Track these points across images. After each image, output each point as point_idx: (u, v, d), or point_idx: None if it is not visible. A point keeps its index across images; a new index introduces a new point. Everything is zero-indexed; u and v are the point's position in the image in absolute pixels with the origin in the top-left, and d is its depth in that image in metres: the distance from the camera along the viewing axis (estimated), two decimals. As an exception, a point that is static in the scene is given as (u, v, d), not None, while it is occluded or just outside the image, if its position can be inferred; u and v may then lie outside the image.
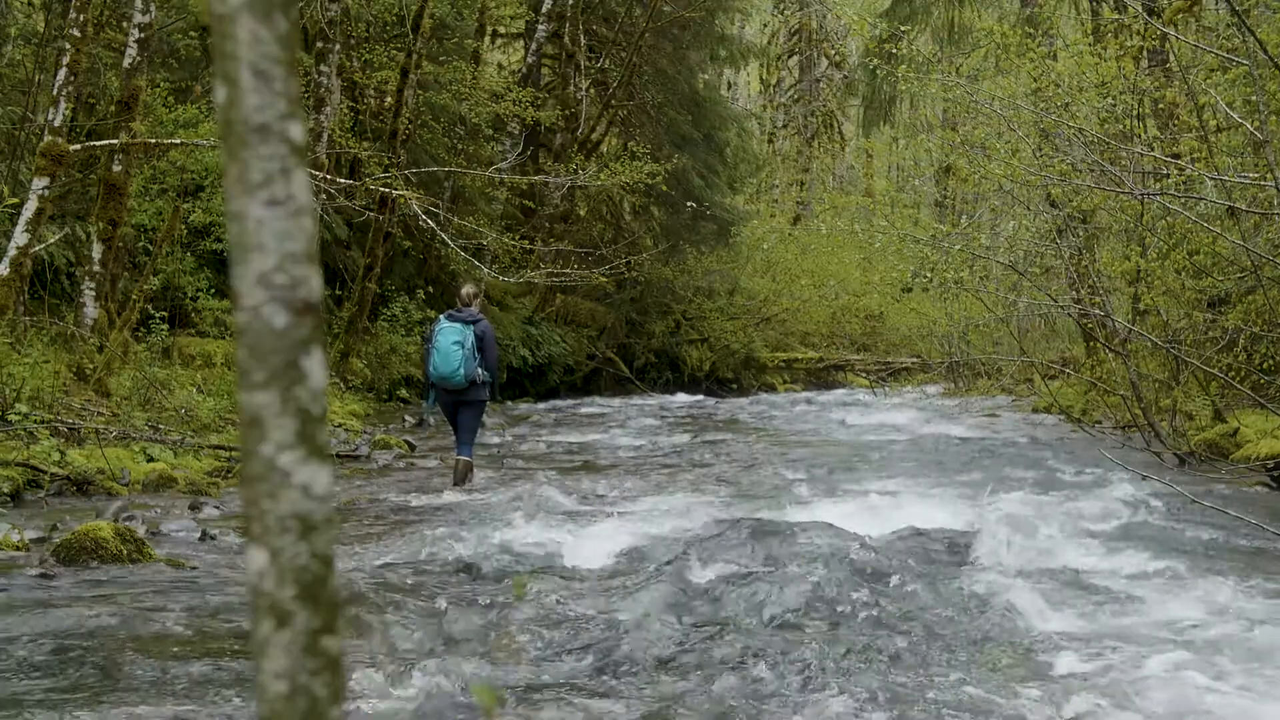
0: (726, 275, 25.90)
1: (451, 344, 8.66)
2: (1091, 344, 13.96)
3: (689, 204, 23.44)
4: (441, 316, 9.03)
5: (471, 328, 8.75)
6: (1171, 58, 12.46)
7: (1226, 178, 8.66)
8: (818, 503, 8.12)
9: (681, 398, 21.86)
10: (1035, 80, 11.69)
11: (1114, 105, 11.53)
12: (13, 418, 8.35)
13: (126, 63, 11.24)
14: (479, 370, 8.75)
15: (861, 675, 4.06)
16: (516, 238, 17.82)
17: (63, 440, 8.61)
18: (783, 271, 28.26)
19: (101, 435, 8.92)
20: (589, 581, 5.56)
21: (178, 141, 11.93)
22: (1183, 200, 9.62)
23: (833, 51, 37.21)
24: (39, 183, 10.05)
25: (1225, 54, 8.79)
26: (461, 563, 5.86)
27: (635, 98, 23.40)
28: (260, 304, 0.83)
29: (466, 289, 9.10)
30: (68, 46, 10.46)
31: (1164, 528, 7.01)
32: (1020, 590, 5.34)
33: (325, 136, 16.70)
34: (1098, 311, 11.84)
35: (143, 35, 11.18)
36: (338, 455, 10.48)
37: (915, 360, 25.55)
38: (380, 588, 5.21)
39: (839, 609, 4.95)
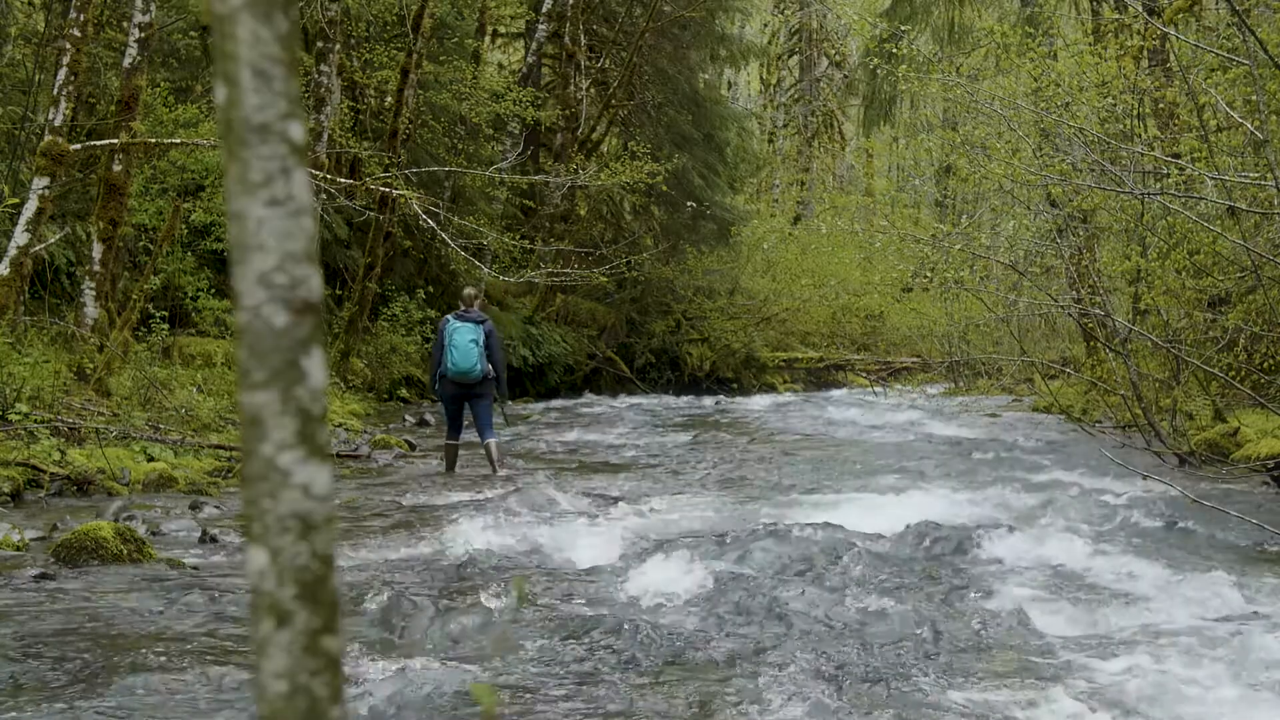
0: (727, 275, 25.87)
1: (469, 341, 9.42)
2: (1091, 344, 13.95)
3: (689, 204, 23.43)
4: (450, 316, 9.70)
5: (481, 327, 9.51)
6: (1171, 58, 12.45)
7: (1226, 177, 8.65)
8: (818, 502, 8.13)
9: (682, 397, 21.85)
10: (1035, 80, 11.68)
11: (1114, 105, 11.53)
12: (13, 417, 8.35)
13: (126, 63, 11.23)
14: (488, 365, 9.49)
15: (862, 675, 4.06)
16: (517, 237, 17.83)
17: (63, 440, 8.60)
18: (783, 271, 28.22)
19: (101, 435, 8.91)
20: (589, 581, 5.56)
21: (178, 141, 11.92)
22: (1183, 200, 9.61)
23: (833, 51, 37.19)
24: (39, 182, 10.05)
25: (1225, 54, 8.78)
26: (461, 562, 5.86)
27: (635, 97, 23.39)
28: (260, 304, 0.83)
29: (469, 290, 9.87)
30: (68, 46, 10.45)
31: (1164, 528, 7.01)
32: (1020, 590, 5.35)
33: (325, 136, 16.69)
34: (1098, 311, 11.83)
35: (143, 35, 11.17)
36: (338, 455, 10.48)
37: (915, 360, 25.55)
38: (380, 587, 5.21)
39: (840, 609, 4.95)
